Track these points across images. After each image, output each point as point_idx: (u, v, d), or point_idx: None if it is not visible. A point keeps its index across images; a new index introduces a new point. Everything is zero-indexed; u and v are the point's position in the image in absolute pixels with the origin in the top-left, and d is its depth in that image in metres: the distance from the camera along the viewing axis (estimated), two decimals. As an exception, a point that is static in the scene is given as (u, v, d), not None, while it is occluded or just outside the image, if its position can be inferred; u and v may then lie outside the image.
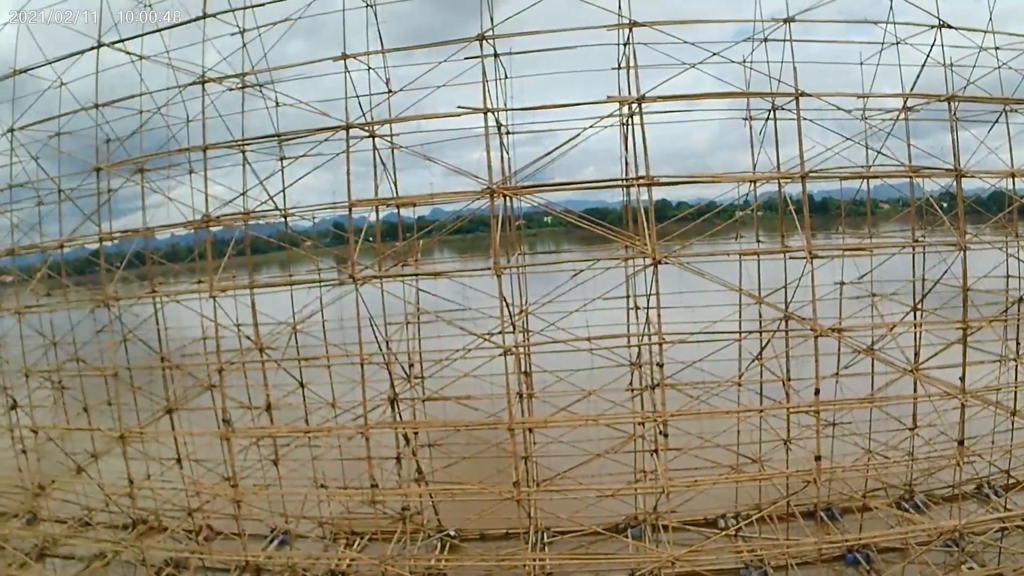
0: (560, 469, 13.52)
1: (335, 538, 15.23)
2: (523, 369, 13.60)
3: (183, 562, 14.81)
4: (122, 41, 13.67)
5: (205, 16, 13.53)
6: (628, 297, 14.43)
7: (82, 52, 13.76)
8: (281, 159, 13.87)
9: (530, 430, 13.27)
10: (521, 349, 12.95)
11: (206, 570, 14.53)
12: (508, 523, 13.76)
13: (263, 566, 14.31)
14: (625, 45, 12.43)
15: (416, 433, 13.84)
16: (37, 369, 15.63)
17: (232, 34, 14.15)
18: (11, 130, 14.90)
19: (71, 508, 17.06)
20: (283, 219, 13.17)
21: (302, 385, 15.69)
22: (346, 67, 12.61)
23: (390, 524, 14.42)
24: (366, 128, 12.13)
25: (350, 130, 11.64)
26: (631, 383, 14.88)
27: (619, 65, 13.68)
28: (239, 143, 13.56)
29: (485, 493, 12.05)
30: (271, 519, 15.53)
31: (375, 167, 12.82)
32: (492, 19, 11.84)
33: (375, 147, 12.79)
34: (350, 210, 12.01)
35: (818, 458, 11.65)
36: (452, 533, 14.81)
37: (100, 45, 13.31)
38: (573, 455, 13.57)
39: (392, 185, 12.93)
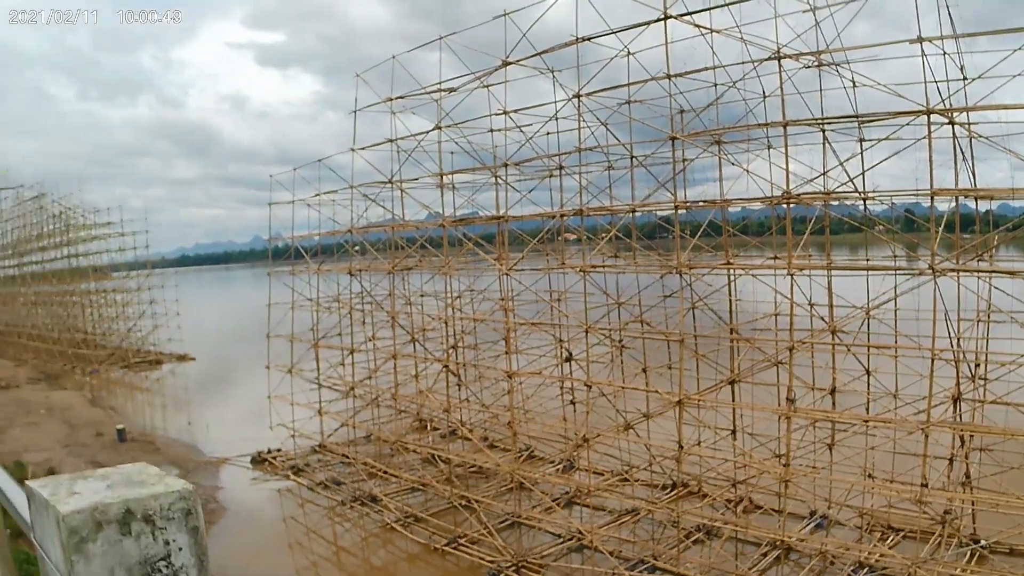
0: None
1: (870, 530, 22.38)
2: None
3: (715, 531, 23.48)
4: (690, 14, 21.12)
5: (778, -7, 21.36)
6: None
7: (648, 23, 21.13)
8: (860, 141, 21.46)
9: (1077, 448, 18.84)
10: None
11: (736, 541, 22.90)
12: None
13: (793, 547, 22.03)
14: None
15: (971, 436, 20.37)
16: (598, 327, 26.17)
17: (804, 11, 21.58)
18: (577, 96, 23.83)
19: (609, 462, 27.73)
20: (861, 201, 20.83)
21: (868, 372, 22.92)
22: (922, 50, 18.75)
23: (930, 525, 21.24)
24: (946, 114, 18.33)
25: (930, 116, 17.90)
26: None
27: None
28: (819, 121, 21.14)
29: (1024, 506, 17.79)
30: (813, 502, 23.24)
31: (955, 155, 19.43)
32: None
33: (954, 135, 19.09)
34: (932, 198, 18.78)
35: None
36: (983, 543, 20.51)
37: (667, 17, 20.46)
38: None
39: (970, 175, 19.50)
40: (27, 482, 2.70)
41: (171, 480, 2.56)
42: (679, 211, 22.22)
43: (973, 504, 20.68)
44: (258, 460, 34.57)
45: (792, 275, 20.04)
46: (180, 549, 2.48)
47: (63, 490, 2.52)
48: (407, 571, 24.19)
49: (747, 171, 22.94)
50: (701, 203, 23.24)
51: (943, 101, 18.50)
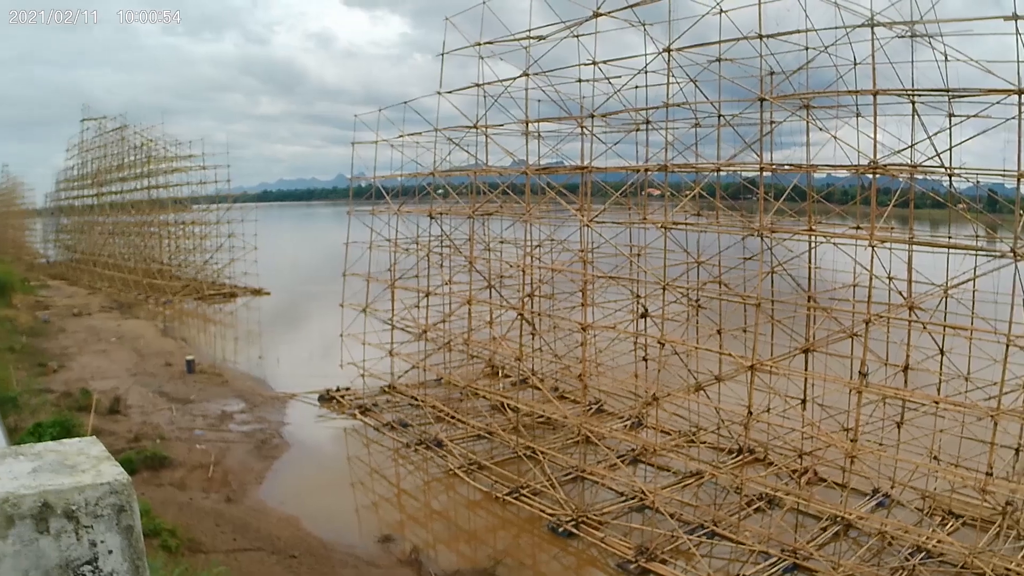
0: None
1: (931, 514, 23.59)
2: None
3: (777, 500, 24.92)
4: (783, -25, 22.52)
5: (882, -41, 22.53)
6: None
7: (741, -19, 22.35)
8: (949, 116, 22.52)
9: None
10: None
11: (798, 513, 24.17)
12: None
13: (854, 523, 23.27)
14: None
15: (1040, 428, 21.43)
16: (676, 285, 27.69)
17: (899, -21, 22.82)
18: (667, 50, 24.94)
19: (678, 423, 29.42)
20: (947, 178, 21.94)
21: (942, 352, 23.91)
22: (1016, 28, 19.20)
23: (991, 515, 22.36)
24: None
25: (1021, 96, 18.77)
26: None
27: None
28: (909, 92, 22.14)
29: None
30: (877, 479, 24.58)
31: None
32: None
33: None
34: (1019, 180, 19.88)
35: None
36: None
37: (763, -24, 21.63)
38: None
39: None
40: None
41: (107, 467, 2.33)
42: (764, 173, 23.72)
43: (1033, 497, 21.66)
44: (326, 398, 36.81)
45: (873, 247, 21.05)
46: (110, 552, 2.23)
47: None
48: (467, 518, 25.82)
49: (835, 137, 24.19)
50: (787, 167, 24.48)
51: (1033, 81, 19.25)
